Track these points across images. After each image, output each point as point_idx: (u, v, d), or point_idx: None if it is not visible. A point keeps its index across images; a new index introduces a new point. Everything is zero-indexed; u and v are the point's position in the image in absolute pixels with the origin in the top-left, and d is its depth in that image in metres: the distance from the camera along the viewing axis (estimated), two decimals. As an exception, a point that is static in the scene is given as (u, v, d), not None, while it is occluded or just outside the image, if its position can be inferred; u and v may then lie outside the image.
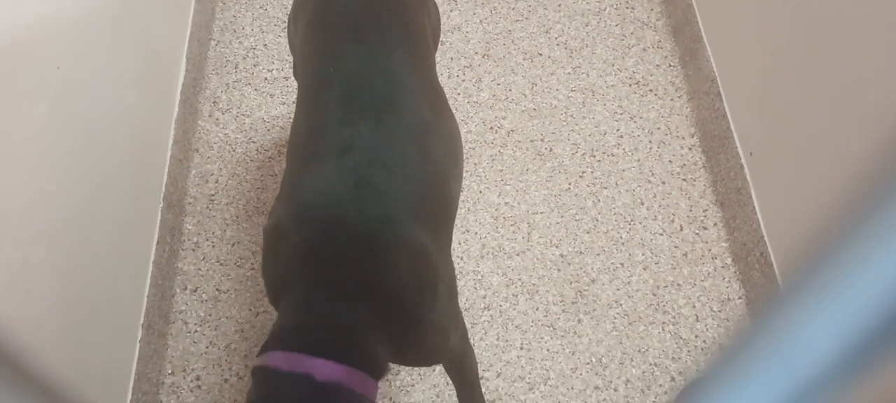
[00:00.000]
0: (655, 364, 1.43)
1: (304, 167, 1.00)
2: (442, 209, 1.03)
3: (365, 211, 0.93)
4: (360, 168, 0.95)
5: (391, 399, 1.39)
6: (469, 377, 1.23)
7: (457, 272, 1.52)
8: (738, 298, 1.52)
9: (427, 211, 0.98)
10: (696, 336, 1.47)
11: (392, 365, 1.42)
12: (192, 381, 1.39)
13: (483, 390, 1.36)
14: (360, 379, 0.89)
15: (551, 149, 1.70)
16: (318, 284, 0.92)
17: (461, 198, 1.61)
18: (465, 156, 1.67)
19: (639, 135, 1.73)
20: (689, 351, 1.45)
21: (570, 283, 1.52)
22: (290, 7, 1.94)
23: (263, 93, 1.77)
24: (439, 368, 1.41)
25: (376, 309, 0.91)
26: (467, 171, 1.65)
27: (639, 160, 1.69)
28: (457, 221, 1.57)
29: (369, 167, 0.95)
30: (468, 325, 1.46)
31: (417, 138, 1.01)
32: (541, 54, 1.86)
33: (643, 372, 1.42)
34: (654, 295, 1.51)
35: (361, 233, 0.92)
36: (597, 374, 1.42)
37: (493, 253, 1.55)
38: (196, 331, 1.45)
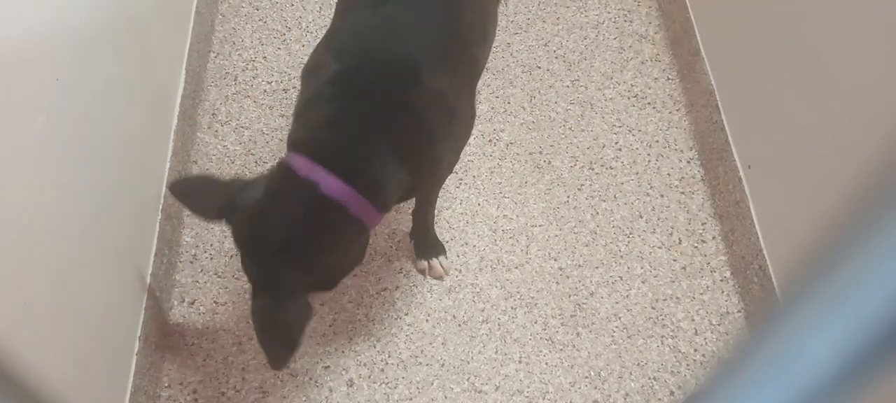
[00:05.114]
0: (654, 378, 1.43)
1: (342, 17, 1.17)
2: (463, 64, 1.15)
3: (391, 51, 1.06)
4: (391, 17, 1.08)
5: (389, 412, 1.38)
6: (435, 196, 1.43)
7: (455, 285, 1.52)
8: (737, 311, 1.51)
9: (448, 60, 1.10)
10: (695, 350, 1.46)
11: (388, 376, 1.41)
12: (189, 394, 1.39)
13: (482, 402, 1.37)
14: (361, 205, 1.01)
15: (550, 162, 1.70)
16: (345, 107, 1.04)
17: (459, 209, 1.61)
18: (463, 168, 1.68)
19: (637, 148, 1.73)
20: (687, 365, 1.45)
21: (569, 296, 1.51)
22: (289, 20, 1.95)
23: (262, 106, 1.77)
24: (437, 381, 1.41)
25: (395, 144, 1.03)
26: (466, 184, 1.66)
27: (637, 173, 1.69)
28: (455, 234, 1.57)
29: (398, 16, 1.08)
30: (466, 338, 1.46)
31: (449, 2, 1.13)
32: (539, 67, 1.86)
33: (642, 386, 1.42)
34: (653, 308, 1.51)
35: (386, 70, 1.05)
36: (596, 388, 1.41)
37: (492, 265, 1.55)
38: (193, 344, 1.44)
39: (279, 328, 1.03)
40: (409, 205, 1.62)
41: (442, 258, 1.52)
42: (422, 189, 1.25)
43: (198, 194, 1.11)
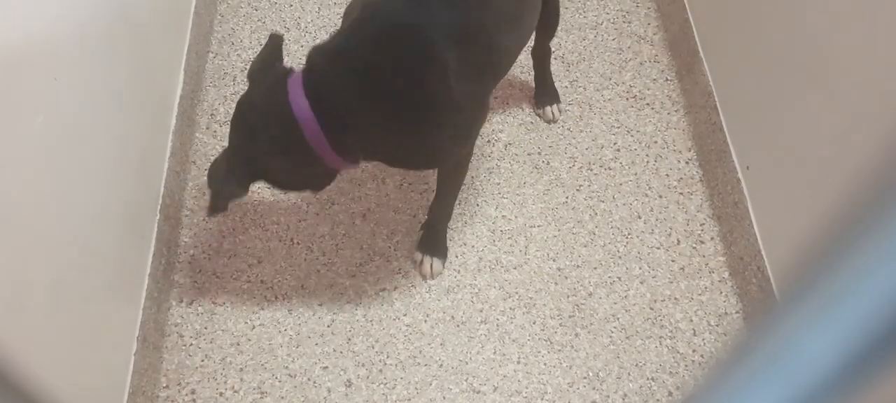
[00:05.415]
0: (653, 379, 1.43)
1: None
2: (483, 50, 1.16)
3: (410, 19, 1.09)
4: None
5: (387, 413, 1.38)
6: (449, 187, 1.43)
7: (453, 285, 1.52)
8: (736, 312, 1.51)
9: (468, 46, 1.12)
10: (694, 351, 1.46)
11: (387, 376, 1.41)
12: (187, 395, 1.39)
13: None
14: (317, 136, 1.11)
15: (549, 163, 1.70)
16: (348, 52, 1.11)
17: (458, 210, 1.61)
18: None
19: (636, 149, 1.74)
20: (686, 366, 1.45)
21: (568, 297, 1.51)
22: (288, 21, 1.95)
23: (261, 106, 1.77)
24: (436, 382, 1.40)
25: (375, 102, 1.10)
26: (465, 185, 1.65)
27: (636, 174, 1.70)
28: (453, 234, 1.57)
29: None
30: (465, 338, 1.45)
31: None
32: (538, 68, 1.86)
33: (640, 387, 1.42)
34: (652, 309, 1.51)
35: (398, 34, 1.09)
36: (594, 388, 1.41)
37: (491, 266, 1.55)
38: (191, 344, 1.44)
39: (215, 186, 1.22)
40: (411, 203, 1.62)
41: (436, 260, 1.51)
42: (405, 163, 1.28)
43: (265, 56, 1.23)
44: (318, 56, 1.14)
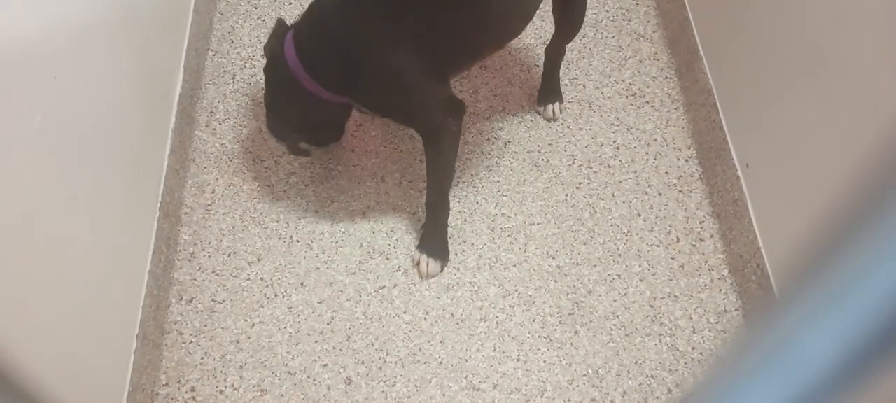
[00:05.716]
0: (652, 376, 1.43)
1: None
2: (445, 36, 1.27)
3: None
4: None
5: (387, 410, 1.38)
6: (431, 168, 1.44)
7: (453, 283, 1.52)
8: (735, 310, 1.51)
9: (432, 27, 1.24)
10: (693, 348, 1.46)
11: (386, 374, 1.41)
12: (187, 392, 1.39)
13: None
14: (303, 75, 1.32)
15: (548, 161, 1.70)
16: (327, 13, 1.30)
17: (458, 208, 1.61)
18: (461, 166, 1.67)
19: (635, 147, 1.74)
20: (685, 363, 1.45)
21: (567, 295, 1.52)
22: (287, 19, 1.94)
23: (260, 104, 1.77)
24: (435, 379, 1.41)
25: (330, 43, 1.30)
26: (464, 182, 1.66)
27: (635, 171, 1.70)
28: (453, 232, 1.57)
29: None
30: (464, 336, 1.46)
31: None
32: (537, 65, 1.86)
33: (640, 384, 1.42)
34: (651, 306, 1.51)
35: (378, 7, 1.23)
36: (593, 386, 1.41)
37: (490, 264, 1.55)
38: (191, 342, 1.44)
39: (284, 140, 1.48)
40: (411, 201, 1.62)
41: (433, 261, 1.51)
42: (367, 102, 1.42)
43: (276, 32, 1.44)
44: (307, 14, 1.36)
